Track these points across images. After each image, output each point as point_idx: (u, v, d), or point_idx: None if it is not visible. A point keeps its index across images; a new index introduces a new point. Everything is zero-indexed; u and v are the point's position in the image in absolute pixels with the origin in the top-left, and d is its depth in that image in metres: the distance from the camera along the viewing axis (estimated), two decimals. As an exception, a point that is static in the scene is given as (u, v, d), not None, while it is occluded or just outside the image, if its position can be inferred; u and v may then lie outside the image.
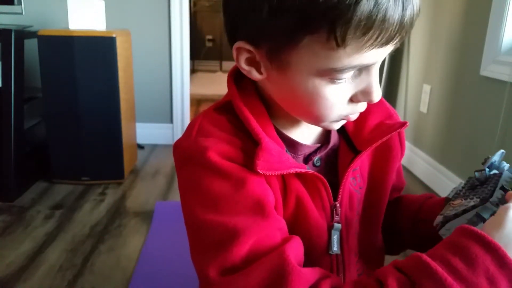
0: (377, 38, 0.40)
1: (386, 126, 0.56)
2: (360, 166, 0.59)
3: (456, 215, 0.49)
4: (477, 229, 0.41)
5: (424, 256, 0.41)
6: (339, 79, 0.44)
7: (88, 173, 1.88)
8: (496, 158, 0.54)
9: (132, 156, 2.10)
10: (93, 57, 1.76)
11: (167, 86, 2.47)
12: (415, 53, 2.19)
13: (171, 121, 2.51)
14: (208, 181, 0.47)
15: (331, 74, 0.44)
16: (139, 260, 1.32)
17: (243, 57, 0.47)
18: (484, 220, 0.46)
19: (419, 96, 2.12)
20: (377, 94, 0.47)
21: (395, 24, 0.40)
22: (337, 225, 0.54)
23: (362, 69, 0.46)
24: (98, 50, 1.76)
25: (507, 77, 1.40)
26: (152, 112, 2.48)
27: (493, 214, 0.46)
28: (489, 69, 1.51)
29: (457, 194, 0.55)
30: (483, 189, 0.51)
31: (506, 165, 0.55)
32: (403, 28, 0.42)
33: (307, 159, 0.56)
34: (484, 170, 0.54)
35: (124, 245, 1.42)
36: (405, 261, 0.42)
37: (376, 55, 0.44)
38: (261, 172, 0.45)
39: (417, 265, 0.40)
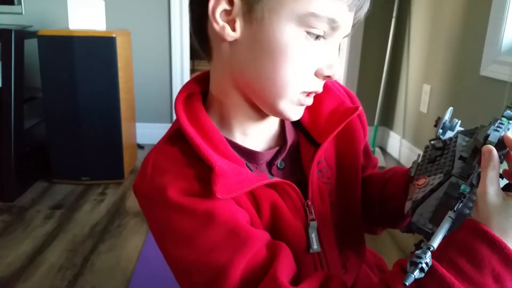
0: None
1: (340, 113, 0.57)
2: (325, 157, 0.59)
3: (424, 197, 0.48)
4: (483, 226, 0.40)
5: (432, 260, 0.40)
6: (313, 29, 0.46)
7: (88, 173, 1.88)
8: (446, 117, 0.53)
9: (132, 156, 2.10)
10: (93, 57, 1.76)
11: (167, 86, 2.47)
12: (415, 53, 2.19)
13: (171, 121, 2.50)
14: (176, 221, 0.46)
15: (308, 21, 0.45)
16: (139, 260, 1.32)
17: (220, 9, 0.47)
18: (452, 196, 0.45)
19: (419, 96, 2.12)
20: (338, 70, 0.49)
21: None
22: (313, 223, 0.54)
23: (329, 36, 0.48)
24: (98, 50, 1.76)
25: (507, 77, 1.40)
26: (152, 112, 2.48)
27: (459, 186, 0.45)
28: (489, 69, 1.51)
29: (419, 170, 0.53)
30: (443, 160, 0.50)
31: (458, 122, 0.54)
32: (365, 1, 0.48)
33: (270, 165, 0.56)
34: (439, 138, 0.53)
35: (124, 245, 1.42)
36: None
37: (344, 18, 0.47)
38: (221, 197, 0.45)
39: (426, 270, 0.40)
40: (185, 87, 0.55)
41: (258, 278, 0.44)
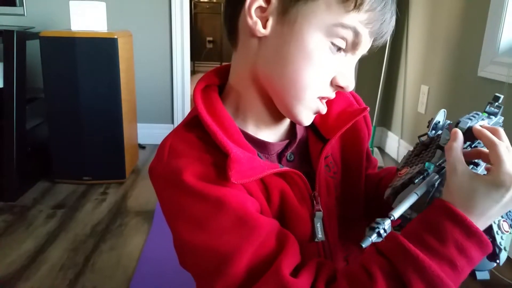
0: (375, 21, 0.48)
1: (348, 113, 0.60)
2: (332, 153, 0.62)
3: (403, 185, 0.49)
4: (448, 203, 0.44)
5: (401, 237, 0.44)
6: (338, 39, 0.49)
7: (89, 173, 1.90)
8: (439, 118, 0.55)
9: (134, 156, 2.12)
10: (95, 58, 1.77)
11: (168, 87, 2.48)
12: (413, 54, 2.20)
13: (172, 122, 2.52)
14: (188, 205, 0.48)
15: (336, 31, 0.48)
16: (140, 259, 1.33)
17: (257, 5, 0.49)
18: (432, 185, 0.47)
19: (417, 97, 2.13)
20: (351, 81, 0.52)
21: (385, 20, 0.50)
22: (319, 213, 0.56)
23: (349, 51, 0.51)
24: (100, 51, 1.77)
25: (504, 78, 1.41)
26: (153, 112, 2.49)
27: (437, 170, 0.47)
28: (487, 70, 1.52)
29: (405, 163, 0.55)
30: (427, 153, 0.52)
31: (449, 123, 0.55)
32: (387, 31, 0.51)
33: (280, 156, 0.58)
34: (427, 134, 0.55)
35: (126, 244, 1.43)
36: (385, 243, 0.45)
37: (366, 38, 0.50)
38: (235, 182, 0.46)
39: (395, 247, 0.43)
40: (204, 78, 0.57)
41: (264, 268, 0.46)
